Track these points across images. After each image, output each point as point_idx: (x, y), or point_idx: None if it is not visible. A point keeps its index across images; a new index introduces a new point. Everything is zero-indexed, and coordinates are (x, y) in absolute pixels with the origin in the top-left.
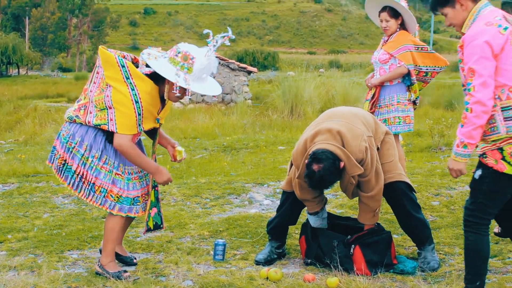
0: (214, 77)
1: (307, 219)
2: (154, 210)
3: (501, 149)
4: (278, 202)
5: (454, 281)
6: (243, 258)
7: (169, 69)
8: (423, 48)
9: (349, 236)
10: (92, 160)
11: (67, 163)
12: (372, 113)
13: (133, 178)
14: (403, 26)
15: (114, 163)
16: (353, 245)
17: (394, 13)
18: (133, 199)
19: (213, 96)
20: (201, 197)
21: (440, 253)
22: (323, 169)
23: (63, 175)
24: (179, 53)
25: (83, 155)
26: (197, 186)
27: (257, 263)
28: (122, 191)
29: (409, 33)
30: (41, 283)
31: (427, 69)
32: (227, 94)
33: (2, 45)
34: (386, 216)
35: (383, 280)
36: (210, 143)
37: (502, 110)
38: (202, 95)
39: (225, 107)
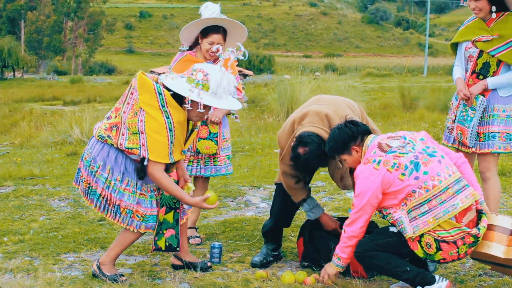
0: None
1: (305, 222)
2: (171, 231)
3: (422, 235)
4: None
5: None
6: (239, 260)
7: (184, 86)
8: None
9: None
10: (115, 183)
11: (91, 187)
12: None
13: (156, 195)
14: None
15: (136, 183)
16: None
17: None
18: (158, 216)
19: (235, 118)
20: None
21: None
22: (308, 152)
23: (89, 198)
24: (194, 71)
25: (106, 178)
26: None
27: (253, 265)
28: (147, 209)
29: None
30: (37, 285)
31: None
32: None
33: None
34: (381, 219)
35: (380, 283)
36: None
37: (408, 213)
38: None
39: None
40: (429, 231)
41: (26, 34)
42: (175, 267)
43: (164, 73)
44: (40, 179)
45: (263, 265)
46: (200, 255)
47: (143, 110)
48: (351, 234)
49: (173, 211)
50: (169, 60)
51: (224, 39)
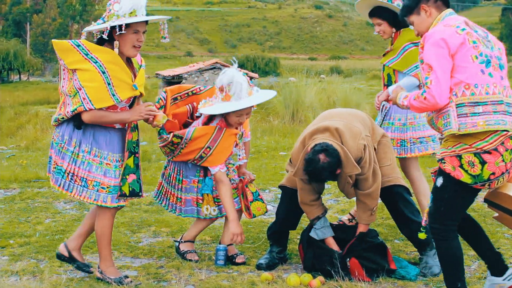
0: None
1: (306, 227)
2: (132, 176)
3: (459, 157)
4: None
5: None
6: (244, 262)
7: (106, 24)
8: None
9: (340, 252)
10: (83, 155)
11: (57, 165)
12: None
13: (120, 166)
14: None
15: (103, 153)
16: (348, 258)
17: None
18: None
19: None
20: None
21: None
22: (328, 163)
23: (54, 177)
24: (110, 5)
25: (73, 152)
26: None
27: (259, 267)
28: (111, 179)
29: None
30: None
31: None
32: None
33: (4, 51)
34: (388, 221)
35: (385, 286)
36: None
37: (456, 107)
38: None
39: None
40: (465, 148)
41: (31, 37)
42: (60, 257)
43: (169, 75)
44: (46, 181)
45: (269, 267)
46: (206, 257)
47: (74, 71)
48: (433, 103)
49: (133, 155)
50: (175, 63)
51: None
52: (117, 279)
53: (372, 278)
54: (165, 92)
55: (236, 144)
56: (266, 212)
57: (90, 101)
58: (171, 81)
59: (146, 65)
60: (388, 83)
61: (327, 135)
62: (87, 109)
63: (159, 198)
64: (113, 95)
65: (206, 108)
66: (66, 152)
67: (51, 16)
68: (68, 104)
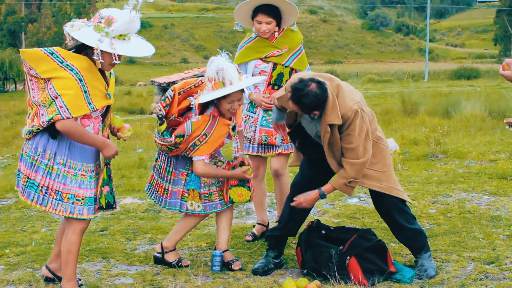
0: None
1: (302, 231)
2: (107, 188)
3: None
4: (275, 213)
5: None
6: (240, 268)
7: (92, 36)
8: None
9: (341, 247)
10: (58, 168)
11: (30, 178)
12: None
13: (94, 176)
14: None
15: (77, 165)
16: (348, 257)
17: None
18: (95, 197)
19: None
20: None
21: (437, 261)
22: (315, 94)
23: (25, 192)
24: (102, 18)
25: (47, 165)
26: None
27: (255, 273)
28: (86, 191)
29: None
30: None
31: None
32: None
33: None
34: (383, 225)
35: None
36: None
37: None
38: None
39: None
40: None
41: (27, 46)
42: (47, 279)
43: (164, 82)
44: None
45: (265, 272)
46: (202, 263)
47: (49, 80)
48: None
49: (105, 167)
50: (170, 69)
51: None
52: None
53: (369, 280)
54: (172, 90)
55: (230, 136)
56: (249, 201)
57: (67, 109)
58: (166, 88)
59: (142, 72)
60: (277, 83)
61: (328, 83)
62: (65, 118)
63: (150, 191)
64: (89, 103)
65: (198, 98)
66: (40, 165)
67: (46, 25)
68: (43, 115)
